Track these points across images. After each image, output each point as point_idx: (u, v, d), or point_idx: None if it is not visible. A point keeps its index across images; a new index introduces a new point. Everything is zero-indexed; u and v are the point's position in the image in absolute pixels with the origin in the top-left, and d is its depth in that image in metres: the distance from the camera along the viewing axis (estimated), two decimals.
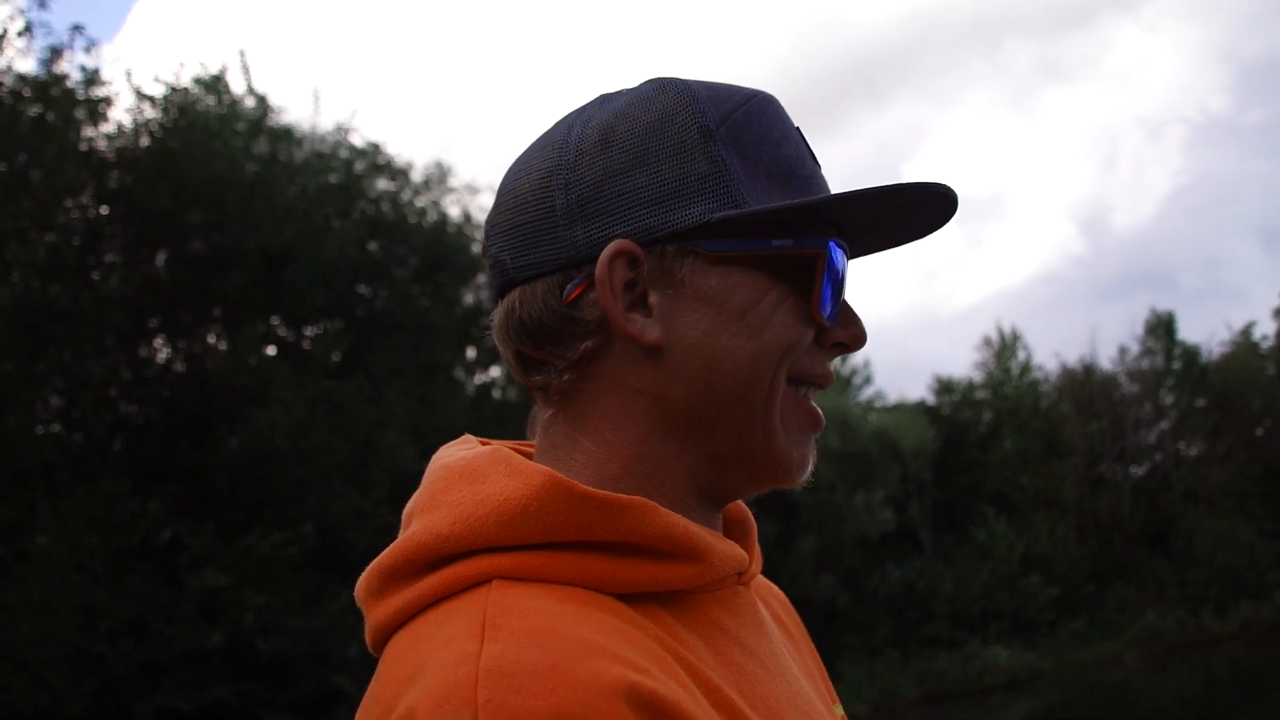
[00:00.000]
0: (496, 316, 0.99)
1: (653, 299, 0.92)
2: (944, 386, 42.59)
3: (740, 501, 1.06)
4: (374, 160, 23.40)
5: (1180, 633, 33.96)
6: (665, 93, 0.95)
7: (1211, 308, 75.60)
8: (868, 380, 41.09)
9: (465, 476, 0.90)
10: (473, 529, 0.85)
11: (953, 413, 41.45)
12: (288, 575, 17.19)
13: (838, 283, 0.96)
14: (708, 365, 0.92)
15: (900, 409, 39.54)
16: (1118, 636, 33.59)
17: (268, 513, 17.79)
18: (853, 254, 1.02)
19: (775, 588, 1.19)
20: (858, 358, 39.29)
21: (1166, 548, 38.28)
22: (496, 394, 25.12)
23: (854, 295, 1.00)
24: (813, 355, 0.97)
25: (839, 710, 1.11)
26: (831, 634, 28.10)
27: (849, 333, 0.99)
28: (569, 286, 0.92)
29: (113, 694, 15.47)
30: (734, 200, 0.91)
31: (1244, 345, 43.15)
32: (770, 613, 1.09)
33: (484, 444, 1.02)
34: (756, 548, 1.06)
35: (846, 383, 38.71)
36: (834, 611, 29.90)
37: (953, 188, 0.94)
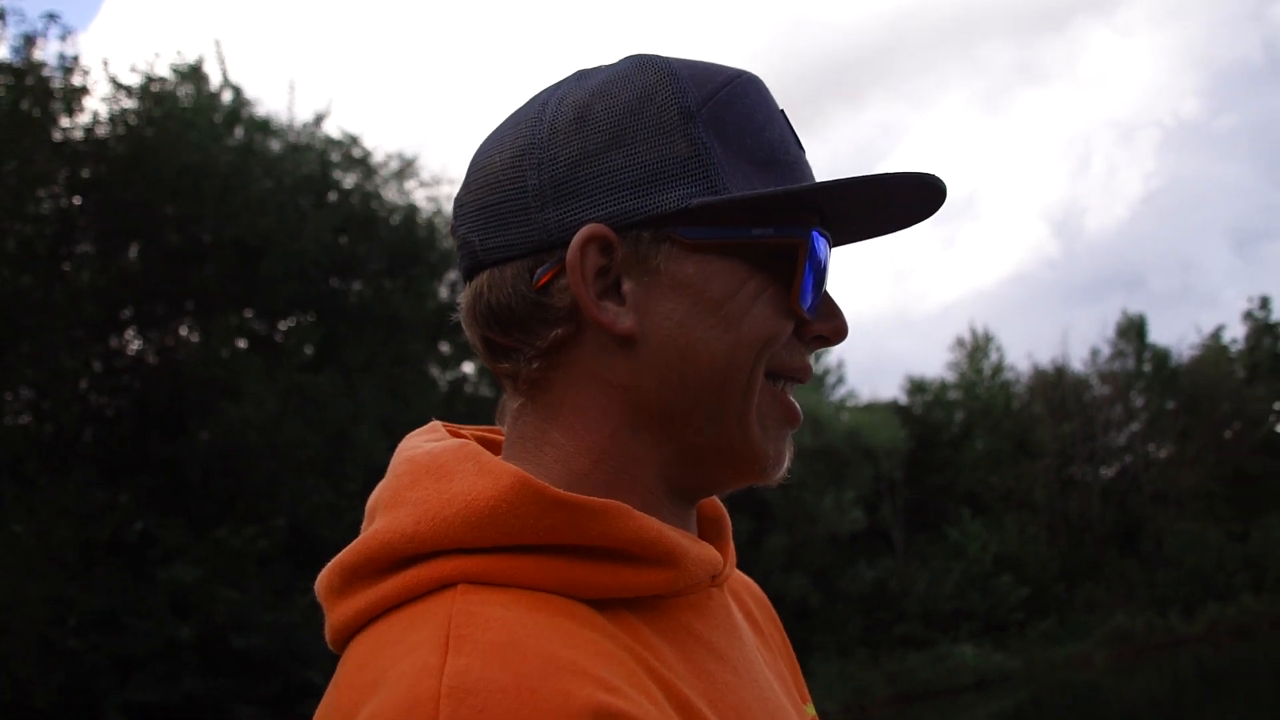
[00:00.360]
0: (464, 300, 0.95)
1: (626, 287, 0.88)
2: (916, 386, 42.87)
3: (715, 498, 1.03)
4: (349, 152, 23.34)
5: (1148, 634, 34.22)
6: (645, 70, 0.91)
7: (1182, 310, 76.28)
8: (840, 379, 41.27)
9: (432, 473, 0.86)
10: (438, 529, 0.82)
11: (925, 413, 41.73)
12: (259, 569, 17.13)
13: (819, 273, 0.92)
14: (682, 357, 0.88)
15: (872, 408, 39.73)
16: (1087, 637, 33.83)
17: (239, 506, 17.74)
18: (836, 241, 0.98)
19: (750, 582, 1.16)
20: (831, 357, 39.48)
21: (1136, 549, 38.59)
22: (469, 389, 25.08)
23: (834, 288, 0.97)
24: (792, 348, 0.93)
25: (810, 710, 1.08)
26: (802, 633, 28.12)
27: (830, 325, 0.95)
28: (539, 271, 0.89)
29: (81, 688, 15.36)
30: (714, 185, 0.87)
31: (1214, 348, 43.58)
32: (743, 610, 1.06)
33: (452, 432, 0.99)
34: (731, 546, 1.03)
35: (819, 381, 38.82)
36: (805, 610, 30.00)
37: (941, 177, 0.91)
